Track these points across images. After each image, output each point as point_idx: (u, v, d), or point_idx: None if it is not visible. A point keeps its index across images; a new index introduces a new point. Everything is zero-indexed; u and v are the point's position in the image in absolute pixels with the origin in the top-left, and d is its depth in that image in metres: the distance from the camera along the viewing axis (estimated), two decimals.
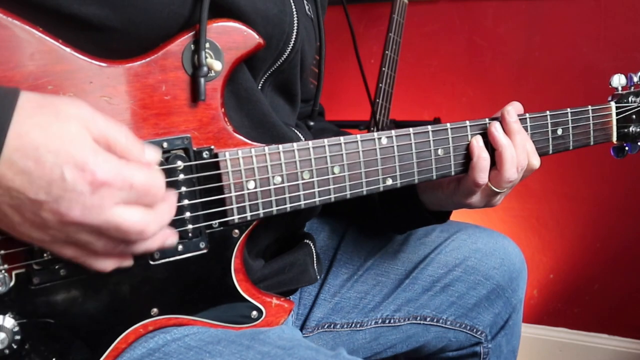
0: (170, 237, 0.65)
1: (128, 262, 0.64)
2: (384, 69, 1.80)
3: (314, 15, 0.90)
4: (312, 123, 0.95)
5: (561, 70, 1.97)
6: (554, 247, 2.09)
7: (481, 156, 0.83)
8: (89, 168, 0.54)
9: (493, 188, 0.84)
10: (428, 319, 1.04)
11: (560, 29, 1.95)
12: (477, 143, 0.84)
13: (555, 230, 2.08)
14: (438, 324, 1.04)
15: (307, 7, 0.88)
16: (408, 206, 0.94)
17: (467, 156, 0.85)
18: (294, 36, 0.80)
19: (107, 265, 0.62)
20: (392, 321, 1.03)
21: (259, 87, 0.81)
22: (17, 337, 0.63)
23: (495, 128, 0.84)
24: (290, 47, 0.80)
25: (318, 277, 0.92)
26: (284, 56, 0.80)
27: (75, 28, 0.64)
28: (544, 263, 2.11)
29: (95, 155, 0.55)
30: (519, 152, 0.84)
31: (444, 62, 2.11)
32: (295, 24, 0.80)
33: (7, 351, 0.62)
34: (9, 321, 0.62)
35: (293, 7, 0.80)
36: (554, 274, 2.11)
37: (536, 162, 0.87)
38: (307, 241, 0.93)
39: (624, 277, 2.02)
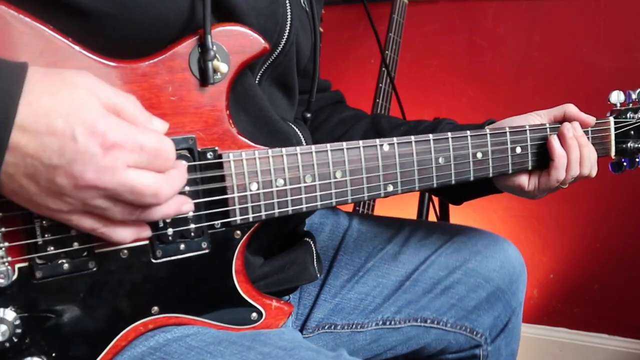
0: (186, 204, 0.65)
1: (146, 233, 0.64)
2: (383, 69, 1.80)
3: (308, 7, 0.90)
4: (308, 115, 0.95)
5: (561, 70, 1.96)
6: (554, 247, 2.09)
7: (562, 155, 0.91)
8: (99, 130, 0.55)
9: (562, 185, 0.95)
10: (428, 321, 1.04)
11: (560, 29, 1.95)
12: (557, 144, 0.92)
13: (555, 230, 2.08)
14: (438, 326, 1.04)
15: (302, 0, 0.88)
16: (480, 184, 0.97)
17: (468, 165, 0.87)
18: (288, 28, 0.81)
19: (126, 235, 0.62)
20: (392, 323, 1.03)
21: (257, 81, 0.81)
22: (18, 331, 0.63)
23: (555, 138, 0.93)
24: (285, 39, 0.81)
25: (318, 275, 0.92)
26: (279, 48, 0.81)
27: (69, 14, 0.64)
28: (544, 263, 2.11)
29: (105, 118, 0.56)
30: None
31: (444, 62, 2.11)
32: (289, 16, 0.81)
33: (7, 344, 0.63)
34: (10, 314, 0.63)
35: None
36: (554, 274, 2.11)
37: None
38: (307, 239, 0.93)
39: (624, 277, 2.02)
